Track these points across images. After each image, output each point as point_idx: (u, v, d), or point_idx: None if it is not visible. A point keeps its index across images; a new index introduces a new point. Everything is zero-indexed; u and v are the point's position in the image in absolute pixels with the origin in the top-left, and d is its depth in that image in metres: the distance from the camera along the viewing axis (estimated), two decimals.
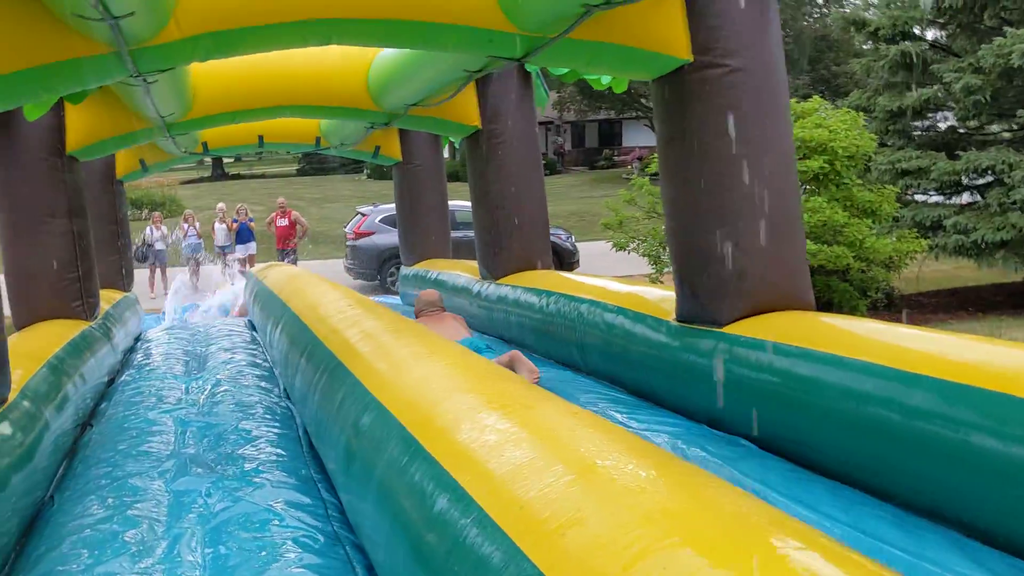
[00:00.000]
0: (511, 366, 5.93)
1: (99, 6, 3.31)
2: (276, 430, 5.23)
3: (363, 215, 19.71)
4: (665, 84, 4.92)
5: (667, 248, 12.45)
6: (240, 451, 4.79)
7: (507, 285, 7.81)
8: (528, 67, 7.40)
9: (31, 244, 6.71)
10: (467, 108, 7.89)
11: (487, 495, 2.31)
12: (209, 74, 7.13)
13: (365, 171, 41.98)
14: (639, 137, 44.28)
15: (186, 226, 19.10)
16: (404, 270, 11.21)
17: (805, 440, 4.32)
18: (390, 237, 19.07)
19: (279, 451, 4.81)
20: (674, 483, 2.14)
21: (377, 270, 18.62)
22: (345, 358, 4.28)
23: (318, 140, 10.64)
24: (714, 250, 4.78)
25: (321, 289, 6.63)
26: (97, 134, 7.07)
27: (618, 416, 5.21)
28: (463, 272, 9.11)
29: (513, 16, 4.54)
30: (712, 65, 4.69)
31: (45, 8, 3.89)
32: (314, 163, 46.24)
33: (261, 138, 10.17)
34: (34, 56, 4.01)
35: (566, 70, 7.10)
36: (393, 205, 20.70)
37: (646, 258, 12.67)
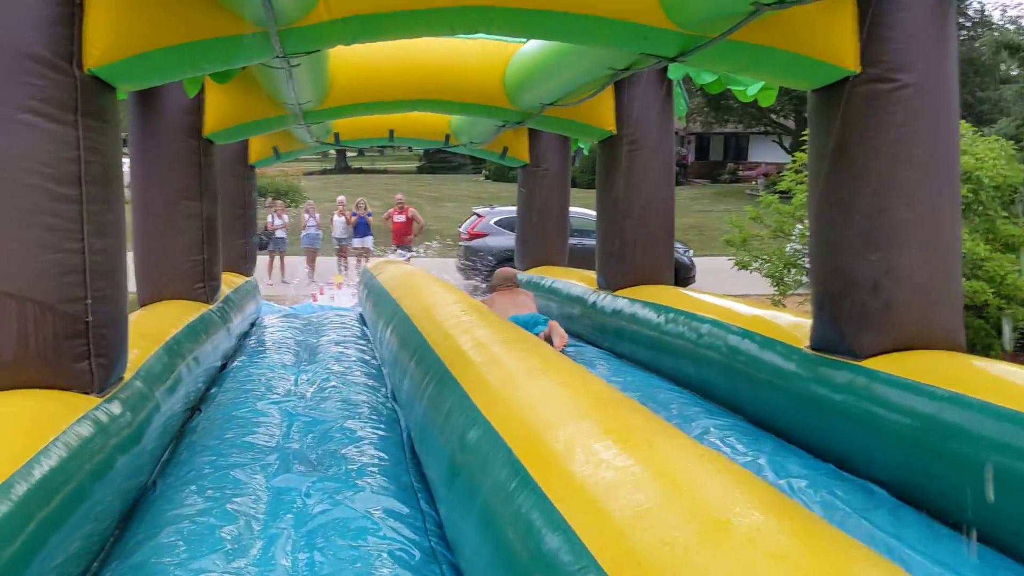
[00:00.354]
0: (549, 335, 7.41)
1: None
2: (380, 432, 5.11)
3: (479, 216, 19.75)
4: (825, 95, 4.59)
5: (790, 270, 12.00)
6: (343, 451, 4.68)
7: (624, 298, 7.54)
8: (671, 74, 7.11)
9: (161, 224, 6.81)
10: (603, 112, 7.66)
11: (601, 544, 2.08)
12: (346, 64, 7.11)
13: (484, 172, 42.21)
14: (766, 153, 43.12)
15: (306, 216, 19.45)
16: (519, 275, 11.02)
17: (948, 494, 3.92)
18: (504, 239, 19.08)
19: (382, 454, 4.68)
20: (818, 552, 1.87)
21: (490, 271, 18.60)
22: (454, 367, 4.12)
23: (447, 137, 10.61)
24: (862, 276, 4.42)
25: (435, 291, 6.51)
26: (234, 118, 7.14)
27: (738, 446, 4.90)
28: (579, 281, 8.88)
29: (672, 12, 4.29)
30: (881, 79, 4.33)
31: None
32: (435, 161, 46.75)
33: (392, 132, 10.20)
34: (185, 33, 4.01)
35: (712, 79, 6.82)
36: (509, 208, 20.95)
37: (769, 279, 12.16)
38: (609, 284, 7.86)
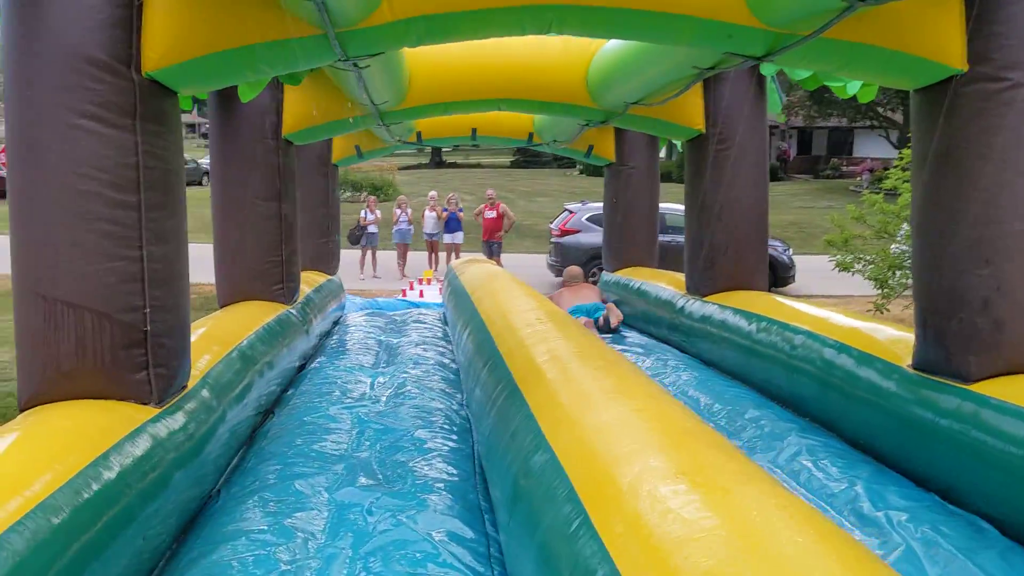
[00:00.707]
0: (607, 316, 8.86)
1: None
2: (452, 443, 4.92)
3: (570, 212, 19.48)
4: (928, 95, 4.18)
5: (894, 272, 11.36)
6: (411, 463, 4.51)
7: (714, 303, 7.18)
8: (764, 70, 6.73)
9: (240, 224, 6.78)
10: (691, 110, 7.31)
11: None
12: (424, 63, 6.96)
13: (577, 167, 41.89)
14: (872, 148, 41.51)
15: (398, 212, 19.50)
16: (606, 276, 10.74)
17: None
18: (595, 236, 18.72)
19: (451, 469, 4.49)
20: None
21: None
22: (524, 381, 3.90)
23: (530, 136, 10.40)
24: (970, 292, 4.02)
25: (513, 294, 6.29)
26: (312, 119, 7.06)
27: (832, 469, 4.54)
28: (668, 285, 8.53)
29: (759, 10, 3.96)
30: (990, 78, 3.92)
31: None
32: (528, 156, 46.62)
33: (474, 131, 10.06)
34: (244, 36, 3.89)
35: (807, 74, 6.41)
36: (601, 204, 20.62)
37: (872, 281, 11.56)
38: (698, 289, 7.51)
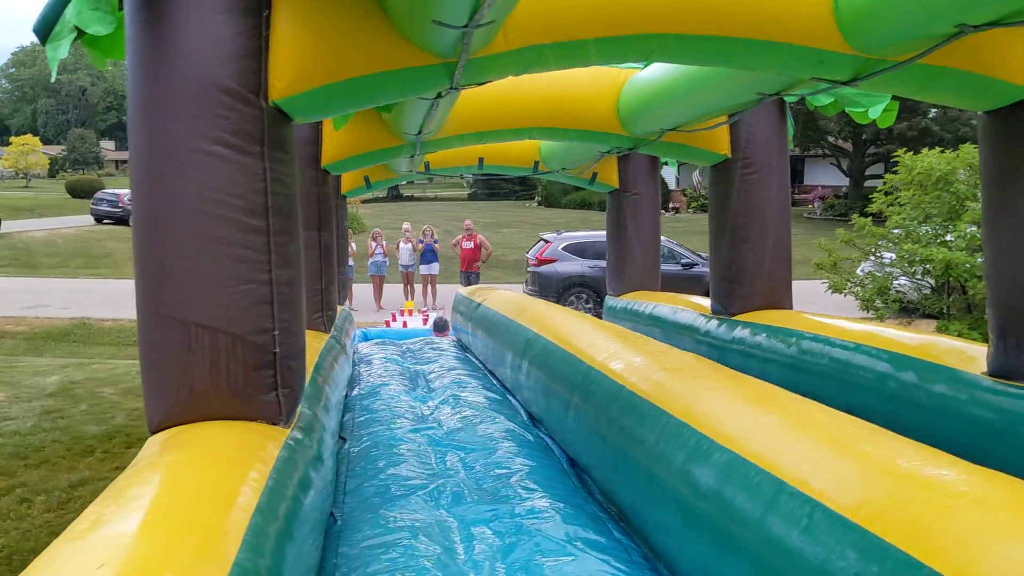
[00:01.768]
0: None
1: (469, 13, 3.21)
2: (537, 460, 5.01)
3: (546, 242, 19.78)
4: (1001, 116, 4.45)
5: (886, 293, 11.76)
6: (510, 479, 4.59)
7: (746, 323, 7.38)
8: (787, 97, 7.00)
9: None
10: (716, 135, 7.55)
11: None
12: (464, 93, 7.10)
13: (537, 199, 42.30)
14: (823, 176, 42.66)
15: (373, 244, 19.60)
16: (610, 301, 10.91)
17: None
18: (572, 265, 19.12)
19: (551, 483, 4.59)
20: None
21: (558, 297, 18.59)
22: (655, 396, 4.01)
23: (536, 164, 10.58)
24: None
25: (567, 318, 6.43)
26: (351, 149, 7.15)
27: None
28: (683, 307, 8.73)
29: (852, 36, 4.18)
30: None
31: (381, 16, 3.86)
32: (487, 187, 46.97)
33: (481, 160, 10.20)
34: (368, 65, 3.99)
35: (829, 100, 6.69)
36: (577, 233, 20.93)
37: (860, 302, 11.96)
38: (727, 309, 7.72)
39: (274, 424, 3.80)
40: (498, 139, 8.17)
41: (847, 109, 6.75)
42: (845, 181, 39.03)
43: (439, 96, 5.02)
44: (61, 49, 3.70)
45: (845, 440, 2.87)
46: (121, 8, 3.76)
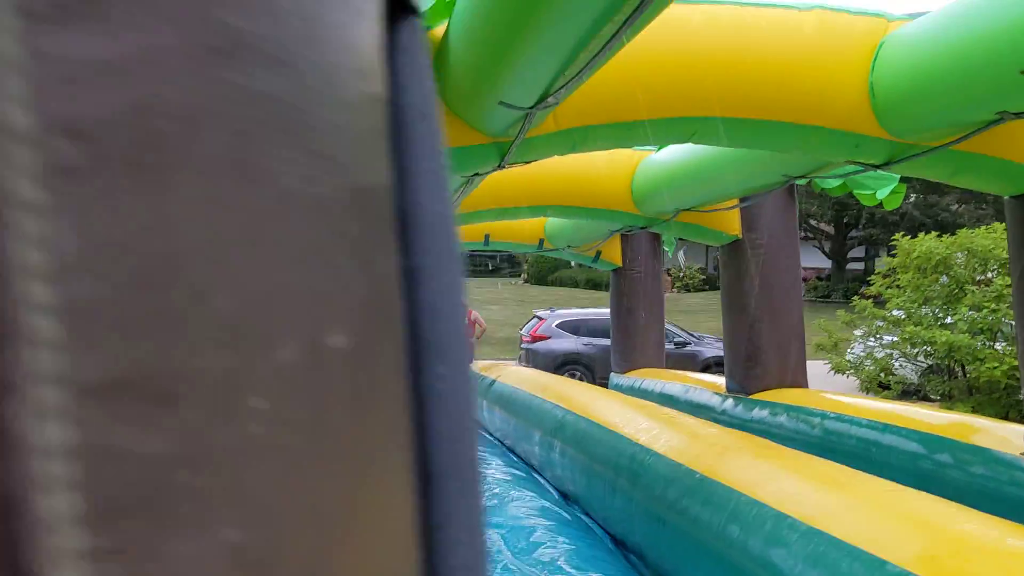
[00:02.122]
0: None
1: (540, 96, 3.29)
2: (583, 540, 4.93)
3: (540, 319, 19.80)
4: None
5: (888, 374, 11.83)
6: (559, 561, 4.52)
7: (763, 402, 7.40)
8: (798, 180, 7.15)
9: None
10: (728, 216, 7.69)
11: None
12: None
13: (523, 276, 42.52)
14: (805, 258, 43.04)
15: None
16: (616, 378, 10.91)
17: None
18: (566, 342, 19.11)
19: (605, 563, 4.51)
20: None
21: (552, 373, 18.54)
22: (712, 471, 3.98)
23: (541, 242, 10.69)
24: None
25: (595, 395, 6.43)
26: None
27: None
28: (695, 385, 8.74)
29: (887, 121, 4.29)
30: None
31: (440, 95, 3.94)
32: (473, 265, 47.12)
33: (487, 236, 10.29)
34: None
35: (837, 182, 6.83)
36: (571, 311, 21.01)
37: (860, 384, 12.03)
38: (743, 388, 7.74)
39: None
40: (514, 216, 8.27)
41: (855, 191, 6.89)
42: (827, 263, 39.48)
43: (476, 174, 5.10)
44: None
45: (927, 518, 2.87)
46: None
